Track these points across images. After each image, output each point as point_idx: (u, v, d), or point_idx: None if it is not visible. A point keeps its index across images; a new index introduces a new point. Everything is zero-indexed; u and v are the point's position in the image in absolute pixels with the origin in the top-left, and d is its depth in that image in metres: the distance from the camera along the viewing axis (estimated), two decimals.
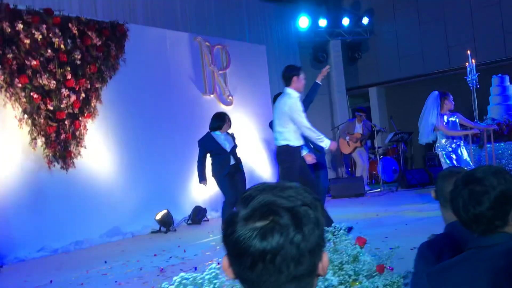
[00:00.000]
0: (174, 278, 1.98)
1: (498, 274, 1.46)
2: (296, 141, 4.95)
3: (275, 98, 5.60)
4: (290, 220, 0.87)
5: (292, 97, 4.96)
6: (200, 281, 1.97)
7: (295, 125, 4.90)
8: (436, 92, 6.04)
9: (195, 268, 4.30)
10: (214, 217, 7.79)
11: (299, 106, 4.91)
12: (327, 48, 12.13)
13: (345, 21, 12.02)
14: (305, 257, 0.87)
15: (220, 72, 8.81)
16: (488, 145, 6.34)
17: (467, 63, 6.83)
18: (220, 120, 6.08)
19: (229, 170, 5.89)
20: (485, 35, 10.54)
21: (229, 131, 6.27)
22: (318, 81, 5.81)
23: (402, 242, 3.63)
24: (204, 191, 7.63)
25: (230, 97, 8.91)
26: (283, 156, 4.96)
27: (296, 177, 4.76)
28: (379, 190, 9.16)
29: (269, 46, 10.39)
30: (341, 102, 12.34)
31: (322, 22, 11.85)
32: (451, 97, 6.01)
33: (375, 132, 9.75)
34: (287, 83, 5.03)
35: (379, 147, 10.33)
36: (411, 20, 11.63)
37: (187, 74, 8.36)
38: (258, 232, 0.86)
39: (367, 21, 12.06)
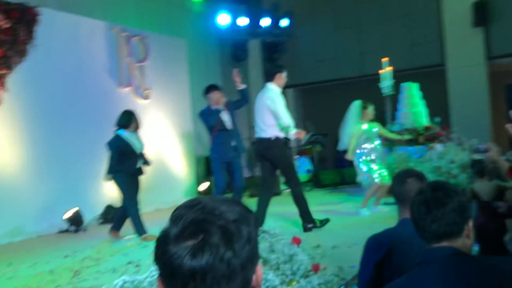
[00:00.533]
0: (115, 282, 1.80)
1: None
2: (281, 133, 5.29)
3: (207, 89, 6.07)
4: (220, 238, 0.86)
5: (275, 91, 5.29)
6: (142, 284, 1.81)
7: (276, 116, 5.17)
8: (359, 101, 6.29)
9: (113, 270, 4.04)
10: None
11: (281, 99, 5.30)
12: (246, 47, 12.17)
13: (265, 22, 12.13)
14: (236, 274, 0.86)
15: (138, 64, 8.46)
16: (399, 149, 6.69)
17: (381, 70, 7.16)
18: (127, 119, 5.72)
19: (134, 172, 5.70)
20: (395, 44, 11.19)
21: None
22: (240, 87, 5.77)
23: (323, 241, 3.67)
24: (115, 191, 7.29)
25: (147, 91, 8.58)
26: (277, 148, 5.28)
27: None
28: None
29: (189, 41, 10.18)
30: None
31: (242, 21, 11.87)
32: (372, 107, 6.29)
33: None
34: (270, 78, 5.41)
35: (296, 147, 10.55)
36: (328, 25, 12.03)
37: (102, 65, 7.91)
38: (188, 251, 0.84)
39: (286, 23, 12.28)
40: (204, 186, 9.41)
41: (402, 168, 6.96)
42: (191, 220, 0.88)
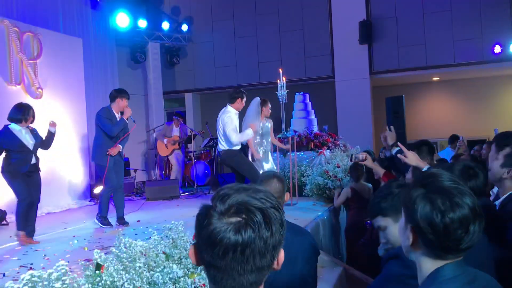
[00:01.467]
0: (22, 276, 1.83)
1: None
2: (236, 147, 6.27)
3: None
4: (261, 218, 1.00)
5: (229, 114, 6.13)
6: (50, 277, 1.86)
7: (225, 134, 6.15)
8: (258, 98, 6.63)
9: (4, 275, 3.89)
10: (14, 220, 7.06)
11: (233, 121, 6.15)
12: (145, 50, 12.08)
13: (165, 25, 12.17)
14: (269, 252, 1.01)
15: (30, 61, 8.04)
16: (291, 154, 7.14)
17: (278, 80, 7.60)
18: (22, 113, 5.43)
19: (28, 169, 5.39)
20: (290, 56, 11.85)
21: (32, 125, 5.65)
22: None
23: None
24: (3, 192, 6.87)
25: (40, 90, 8.18)
26: (233, 157, 6.24)
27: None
28: (192, 192, 9.47)
29: (85, 40, 9.86)
30: (158, 104, 12.41)
31: (142, 23, 11.77)
32: (270, 105, 6.68)
33: (192, 136, 10.07)
34: (231, 101, 6.21)
35: (194, 151, 10.69)
36: (227, 33, 12.38)
37: None
38: (233, 226, 0.98)
39: (186, 28, 12.41)
40: (98, 189, 9.16)
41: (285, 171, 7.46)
42: (237, 199, 1.01)
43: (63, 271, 1.90)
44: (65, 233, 6.02)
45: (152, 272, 2.33)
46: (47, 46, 8.36)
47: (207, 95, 13.20)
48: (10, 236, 5.89)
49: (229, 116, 6.12)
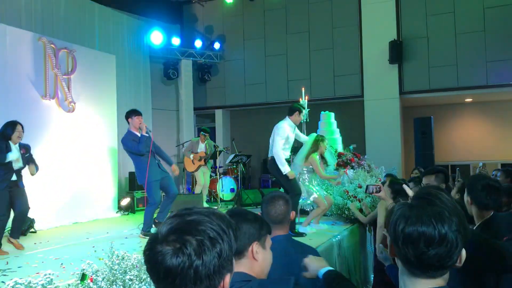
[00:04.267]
0: (7, 283, 1.94)
1: None
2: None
3: None
4: (194, 249, 1.04)
5: (283, 125, 6.26)
6: (34, 286, 1.98)
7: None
8: (315, 134, 6.68)
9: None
10: (42, 228, 7.36)
11: (283, 133, 6.21)
12: (178, 67, 12.41)
13: (198, 43, 12.49)
14: (202, 281, 1.05)
15: (64, 76, 8.42)
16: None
17: (300, 99, 7.66)
18: (11, 130, 5.66)
19: (7, 184, 5.58)
20: (319, 74, 11.89)
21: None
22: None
23: None
24: (30, 200, 7.20)
25: (73, 104, 8.54)
26: (275, 166, 6.25)
27: None
28: (216, 207, 9.56)
29: (119, 56, 10.25)
30: (188, 120, 12.68)
31: (175, 41, 12.13)
32: (326, 141, 6.73)
33: (218, 152, 10.21)
34: (289, 113, 6.36)
35: (220, 167, 10.83)
36: (258, 51, 12.57)
37: (27, 75, 7.82)
38: (166, 253, 1.04)
39: (219, 46, 12.69)
40: (125, 201, 9.43)
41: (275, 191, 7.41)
42: (176, 228, 1.07)
43: (48, 279, 2.00)
44: (86, 243, 6.21)
45: (140, 285, 2.41)
46: (81, 62, 8.74)
47: (236, 112, 13.38)
48: (35, 243, 6.16)
49: (283, 126, 6.26)
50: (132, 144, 6.23)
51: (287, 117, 6.44)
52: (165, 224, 1.10)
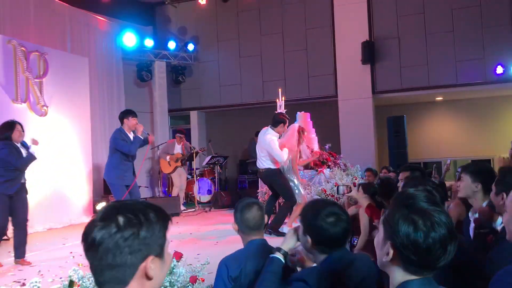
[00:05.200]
0: None
1: None
2: (272, 165, 6.54)
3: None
4: (116, 225, 1.17)
5: (273, 136, 6.38)
6: None
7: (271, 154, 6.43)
8: (297, 125, 6.78)
9: None
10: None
11: (276, 142, 6.39)
12: (151, 68, 12.30)
13: (171, 45, 12.41)
14: (121, 253, 1.16)
15: (36, 80, 8.25)
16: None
17: (277, 99, 7.71)
18: (8, 129, 5.41)
19: (17, 189, 5.32)
20: (293, 76, 11.98)
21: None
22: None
23: (212, 258, 3.94)
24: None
25: (45, 108, 8.37)
26: (270, 176, 6.61)
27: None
28: (194, 210, 9.55)
29: (91, 59, 10.10)
30: (163, 122, 12.58)
31: (149, 42, 12.02)
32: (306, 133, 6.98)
33: (194, 154, 10.18)
34: (274, 125, 6.46)
35: (196, 169, 10.78)
36: (233, 52, 12.57)
37: None
38: (95, 226, 1.18)
39: (193, 47, 12.63)
40: (101, 205, 9.27)
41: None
42: (108, 208, 1.22)
43: (35, 287, 1.97)
44: (63, 249, 6.11)
45: None
46: (53, 65, 8.57)
47: (212, 113, 13.34)
48: (9, 252, 6.01)
49: (273, 139, 6.38)
50: (123, 144, 6.13)
51: (270, 128, 6.47)
52: (103, 207, 1.25)
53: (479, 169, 3.02)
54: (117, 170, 6.15)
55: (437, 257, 1.29)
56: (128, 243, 1.16)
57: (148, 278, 1.20)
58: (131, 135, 6.28)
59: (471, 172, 3.00)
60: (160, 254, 1.23)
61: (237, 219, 2.59)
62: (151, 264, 1.20)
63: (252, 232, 2.54)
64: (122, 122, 6.33)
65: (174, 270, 2.70)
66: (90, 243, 1.18)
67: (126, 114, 6.38)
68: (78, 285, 2.19)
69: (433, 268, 1.32)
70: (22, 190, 5.44)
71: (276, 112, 7.15)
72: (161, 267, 1.24)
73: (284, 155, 6.37)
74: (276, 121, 6.49)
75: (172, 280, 2.61)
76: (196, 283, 2.75)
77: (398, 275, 1.35)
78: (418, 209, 1.32)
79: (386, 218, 1.38)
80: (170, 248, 3.60)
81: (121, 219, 1.18)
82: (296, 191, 6.54)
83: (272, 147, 6.32)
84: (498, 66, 10.44)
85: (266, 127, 6.62)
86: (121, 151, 6.15)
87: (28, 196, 5.58)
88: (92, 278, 2.44)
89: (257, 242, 2.53)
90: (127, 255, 1.17)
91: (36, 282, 2.02)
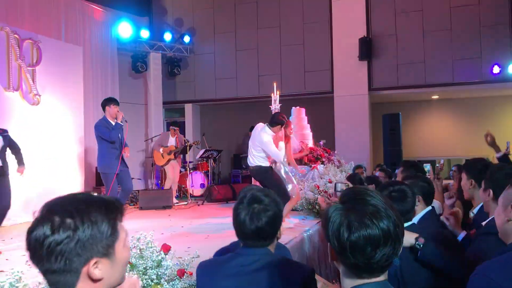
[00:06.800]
0: None
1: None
2: (265, 162, 6.34)
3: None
4: (50, 227, 1.10)
5: (268, 135, 6.19)
6: (1, 285, 1.89)
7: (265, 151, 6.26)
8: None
9: None
10: (5, 224, 7.09)
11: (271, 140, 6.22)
12: (147, 60, 12.20)
13: (167, 36, 12.30)
14: (57, 259, 1.09)
15: (29, 68, 8.14)
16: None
17: (272, 94, 7.64)
18: None
19: None
20: (289, 70, 11.92)
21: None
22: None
23: (202, 252, 3.90)
24: None
25: (37, 96, 8.26)
26: (262, 173, 6.34)
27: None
28: (186, 203, 9.48)
29: (86, 48, 9.99)
30: (157, 114, 12.49)
31: (144, 33, 11.91)
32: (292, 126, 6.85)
33: (188, 147, 10.10)
34: (271, 124, 6.21)
35: (190, 162, 10.71)
36: (229, 45, 12.48)
37: None
38: (34, 226, 1.12)
39: (188, 39, 12.53)
40: None
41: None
42: (44, 208, 1.15)
43: (17, 277, 1.92)
44: None
45: None
46: (47, 54, 8.46)
47: (207, 106, 13.27)
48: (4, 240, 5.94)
49: (269, 138, 6.27)
50: (104, 131, 6.37)
51: (267, 126, 6.36)
52: (47, 202, 1.17)
53: (473, 166, 3.00)
54: (106, 158, 6.43)
55: (368, 257, 1.22)
56: (62, 248, 1.09)
57: (94, 281, 1.13)
58: (113, 122, 6.48)
59: (466, 169, 2.99)
60: (107, 254, 1.15)
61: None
62: (95, 266, 1.13)
63: None
64: (104, 110, 6.57)
65: (162, 263, 2.64)
66: (28, 246, 1.12)
67: (108, 101, 6.58)
68: None
69: (370, 269, 1.25)
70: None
71: (276, 112, 7.03)
72: (111, 266, 1.16)
73: (281, 154, 6.33)
74: (275, 121, 6.36)
75: (159, 273, 2.56)
76: (184, 277, 2.69)
77: (345, 280, 1.31)
78: (356, 207, 1.26)
79: (324, 216, 1.33)
80: (162, 240, 3.58)
81: (56, 220, 1.10)
82: (290, 187, 6.52)
83: (270, 149, 6.25)
84: (494, 66, 10.43)
85: (262, 124, 6.53)
86: (104, 139, 6.40)
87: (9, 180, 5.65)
88: None
89: None
90: (63, 261, 1.09)
91: (17, 272, 1.96)
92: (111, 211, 1.16)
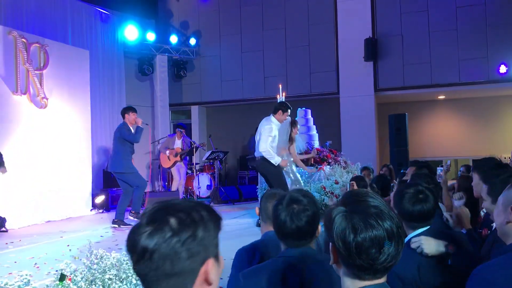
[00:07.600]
0: None
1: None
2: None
3: None
4: (170, 228, 1.03)
5: (270, 124, 6.43)
6: (10, 287, 1.91)
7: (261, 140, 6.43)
8: (289, 119, 6.82)
9: None
10: (14, 227, 7.17)
11: (271, 131, 6.41)
12: (153, 62, 12.25)
13: (173, 39, 12.34)
14: (180, 259, 1.03)
15: (36, 71, 8.21)
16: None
17: (277, 95, 7.66)
18: None
19: None
20: (295, 72, 11.92)
21: None
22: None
23: None
24: (2, 198, 7.03)
25: (45, 100, 8.33)
26: (262, 165, 6.52)
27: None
28: None
29: (92, 51, 10.05)
30: (164, 116, 12.54)
31: (150, 36, 11.96)
32: (298, 126, 7.10)
33: (194, 149, 10.14)
34: (274, 112, 6.51)
35: (196, 163, 10.74)
36: (235, 47, 12.51)
37: None
38: (144, 233, 1.03)
39: (194, 42, 12.58)
40: (100, 199, 9.28)
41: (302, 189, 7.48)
42: (154, 210, 1.07)
43: (25, 280, 1.94)
44: (60, 241, 6.09)
45: (119, 284, 2.36)
46: (54, 57, 8.53)
47: (213, 108, 13.31)
48: (6, 243, 6.00)
49: (270, 126, 6.45)
50: (129, 133, 7.06)
51: (271, 115, 6.51)
52: (147, 210, 1.09)
53: (483, 166, 2.96)
54: (127, 159, 7.03)
55: (372, 258, 1.23)
56: (187, 247, 1.04)
57: (209, 283, 1.09)
58: (132, 128, 7.19)
59: (477, 169, 2.95)
60: (216, 255, 1.11)
61: (261, 207, 2.57)
62: (211, 267, 1.09)
63: (269, 222, 2.47)
64: (123, 117, 7.24)
65: None
66: (141, 253, 1.03)
67: (127, 110, 7.34)
68: (70, 279, 2.16)
69: (373, 270, 1.25)
70: None
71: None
72: (217, 270, 1.12)
73: (269, 152, 6.37)
74: (275, 108, 6.60)
75: None
76: None
77: (345, 282, 1.31)
78: (358, 208, 1.27)
79: (325, 218, 1.33)
80: None
81: (173, 221, 1.04)
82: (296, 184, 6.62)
83: (264, 138, 6.40)
84: (501, 65, 10.38)
85: (268, 116, 6.70)
86: (128, 141, 7.03)
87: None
88: (84, 273, 2.41)
89: (271, 234, 2.47)
90: (186, 261, 1.04)
91: (26, 275, 1.99)
92: (215, 214, 1.13)
